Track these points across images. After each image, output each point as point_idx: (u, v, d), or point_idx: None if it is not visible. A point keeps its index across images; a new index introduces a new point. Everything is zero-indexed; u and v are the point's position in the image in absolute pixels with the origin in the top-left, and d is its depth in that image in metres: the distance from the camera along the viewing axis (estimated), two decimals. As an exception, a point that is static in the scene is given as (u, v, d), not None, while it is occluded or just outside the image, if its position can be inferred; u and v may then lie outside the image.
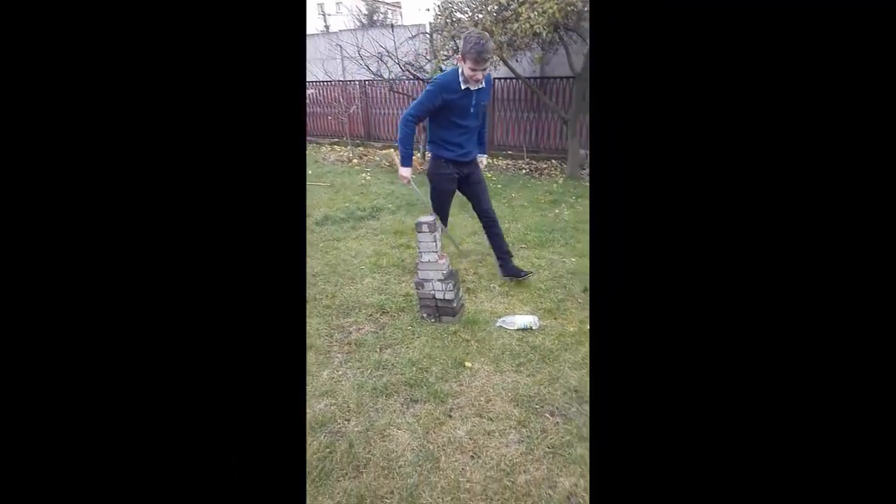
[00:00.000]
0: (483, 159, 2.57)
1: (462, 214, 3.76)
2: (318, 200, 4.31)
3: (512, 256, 2.61)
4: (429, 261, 2.04)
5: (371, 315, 2.25)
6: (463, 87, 2.15)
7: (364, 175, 5.27)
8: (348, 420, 1.58)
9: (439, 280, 2.05)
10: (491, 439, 1.48)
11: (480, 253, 2.98)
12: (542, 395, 1.67)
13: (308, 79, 7.53)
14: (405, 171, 2.27)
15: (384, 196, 4.40)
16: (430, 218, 1.99)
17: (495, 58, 5.15)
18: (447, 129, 2.26)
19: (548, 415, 1.59)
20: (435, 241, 2.00)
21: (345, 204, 4.14)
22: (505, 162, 5.87)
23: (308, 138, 7.69)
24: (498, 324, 2.10)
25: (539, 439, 1.48)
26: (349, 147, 6.72)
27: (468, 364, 1.85)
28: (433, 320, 2.15)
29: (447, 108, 2.19)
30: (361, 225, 3.62)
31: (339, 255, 3.01)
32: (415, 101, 2.22)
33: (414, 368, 1.82)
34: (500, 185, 4.67)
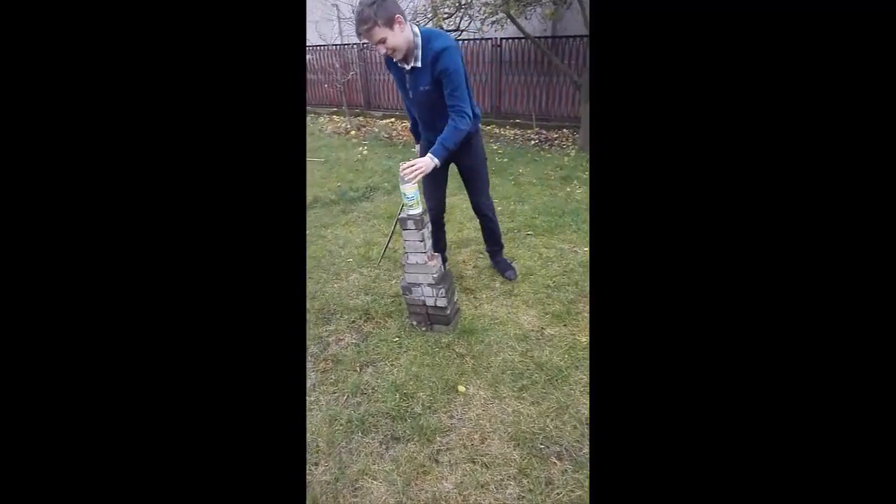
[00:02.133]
0: (427, 159, 1.69)
1: (462, 193, 3.41)
2: (310, 179, 3.98)
3: (502, 248, 2.34)
4: (416, 263, 1.73)
5: (354, 322, 1.98)
6: (397, 63, 1.71)
7: (361, 149, 4.89)
8: (316, 464, 1.33)
9: (430, 285, 1.75)
10: (485, 494, 1.22)
11: (481, 241, 2.66)
12: (547, 432, 1.40)
13: (311, 43, 7.02)
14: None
15: (380, 173, 4.05)
16: (416, 212, 1.66)
17: (500, 14, 4.63)
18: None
19: (554, 459, 1.32)
20: (423, 240, 1.69)
21: (337, 183, 3.81)
22: (512, 132, 5.42)
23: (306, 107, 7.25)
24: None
25: (543, 494, 1.21)
26: (347, 117, 6.30)
27: (461, 388, 1.58)
28: (424, 329, 1.87)
29: (399, 91, 1.88)
30: (353, 208, 3.30)
31: (326, 246, 2.71)
32: None
33: (398, 395, 1.55)
34: (506, 159, 4.27)
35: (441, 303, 1.78)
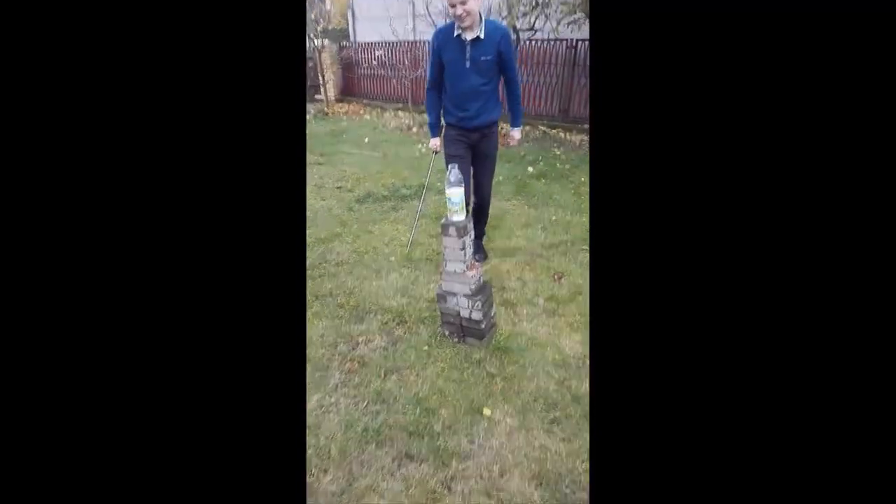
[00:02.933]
0: (516, 133, 2.30)
1: (517, 199, 3.27)
2: (366, 173, 4.02)
3: (483, 236, 2.49)
4: (455, 271, 1.64)
5: (386, 324, 1.92)
6: (455, 34, 1.93)
7: (420, 146, 4.88)
8: (325, 471, 1.28)
9: (466, 295, 1.65)
10: (496, 537, 1.11)
11: (530, 252, 2.51)
12: (575, 475, 1.25)
13: (374, 39, 7.18)
14: (433, 142, 2.30)
15: (436, 172, 3.98)
16: (459, 218, 1.57)
17: (578, 14, 4.39)
18: (447, 89, 2.10)
19: (580, 510, 1.17)
20: (464, 249, 1.59)
21: (391, 179, 3.81)
22: (579, 137, 5.15)
23: (372, 103, 7.42)
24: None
25: (562, 550, 1.07)
26: (411, 113, 6.33)
27: (487, 412, 1.47)
28: (455, 340, 1.77)
29: (446, 65, 2.02)
30: (404, 205, 3.27)
31: (371, 242, 2.70)
32: None
33: (419, 409, 1.47)
34: (567, 166, 4.05)
35: (476, 315, 1.67)
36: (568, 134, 5.30)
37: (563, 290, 2.15)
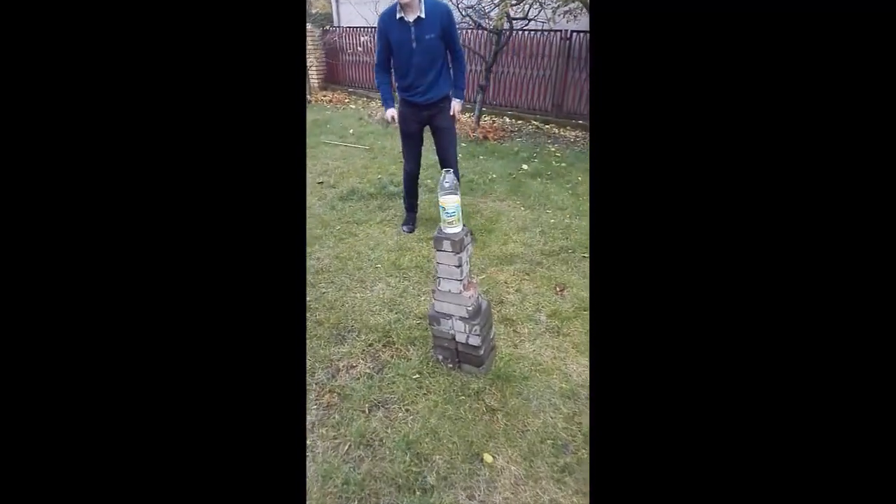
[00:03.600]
0: (456, 104, 2.37)
1: (511, 199, 3.06)
2: (351, 168, 3.76)
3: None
4: (449, 291, 1.42)
5: (371, 345, 1.70)
6: (398, 16, 2.09)
7: (408, 139, 4.62)
8: (296, 540, 1.07)
9: (462, 318, 1.44)
10: None
11: (528, 259, 2.31)
12: (595, 541, 1.06)
13: (359, 23, 6.84)
14: (389, 112, 2.35)
15: (426, 167, 3.75)
16: (455, 230, 1.35)
17: (575, 3, 4.17)
18: (396, 68, 2.24)
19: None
20: (461, 266, 1.37)
21: (378, 175, 3.56)
22: (573, 133, 4.96)
23: (357, 91, 7.10)
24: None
25: None
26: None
27: (488, 458, 1.26)
28: (450, 366, 1.57)
29: (394, 46, 2.15)
30: (391, 204, 3.03)
31: (355, 246, 2.46)
32: None
33: (409, 455, 1.26)
34: (563, 165, 3.86)
35: (474, 341, 1.46)
36: (562, 129, 5.10)
37: (567, 304, 1.96)
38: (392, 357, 1.64)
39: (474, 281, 1.47)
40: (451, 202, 1.32)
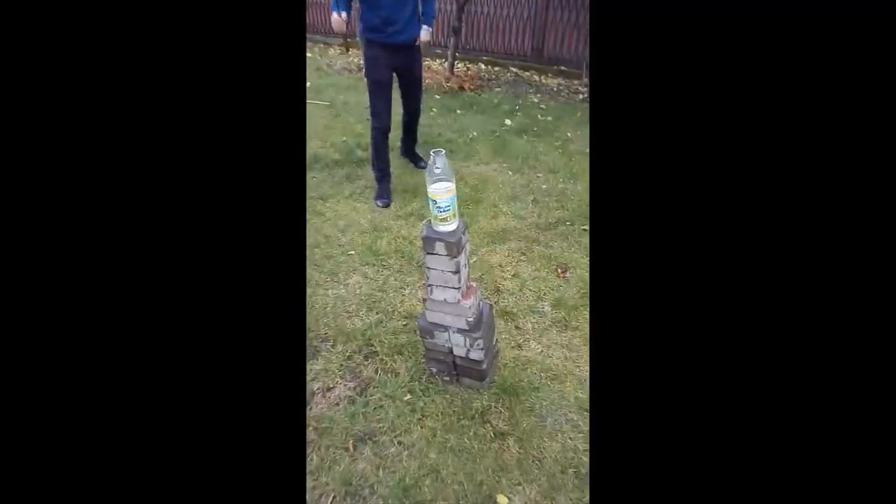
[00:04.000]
0: (425, 34, 2.16)
1: (497, 162, 2.74)
2: (311, 129, 3.29)
3: (416, 143, 2.60)
4: (444, 300, 1.15)
5: (350, 358, 1.43)
6: None
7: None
8: None
9: (461, 331, 1.18)
10: None
11: (523, 236, 2.05)
12: None
13: (310, -45, 5.96)
14: (337, 17, 1.98)
15: (396, 126, 3.36)
16: (448, 228, 1.06)
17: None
18: (373, 6, 1.95)
19: None
20: (458, 272, 1.09)
21: (343, 137, 3.14)
22: (556, 81, 4.57)
23: (314, 37, 6.33)
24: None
25: None
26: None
27: (503, 500, 1.06)
28: (446, 379, 1.33)
29: None
30: (360, 173, 2.66)
31: (322, 229, 2.12)
32: None
33: (406, 508, 1.04)
34: (550, 118, 3.52)
35: (476, 355, 1.21)
36: (543, 77, 4.69)
37: (571, 289, 1.73)
38: (377, 372, 1.38)
39: (474, 285, 1.20)
40: (442, 192, 1.01)
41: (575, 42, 4.57)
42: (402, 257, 1.91)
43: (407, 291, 1.72)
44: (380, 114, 2.18)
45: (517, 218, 2.20)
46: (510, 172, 2.67)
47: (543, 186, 2.50)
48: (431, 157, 0.99)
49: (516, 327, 1.56)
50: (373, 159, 2.32)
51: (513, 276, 1.81)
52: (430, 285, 1.14)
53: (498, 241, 2.02)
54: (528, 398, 1.29)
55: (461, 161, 2.80)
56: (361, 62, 2.28)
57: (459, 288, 1.11)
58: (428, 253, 1.08)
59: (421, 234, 1.09)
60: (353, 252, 1.95)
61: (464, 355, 1.23)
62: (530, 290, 1.72)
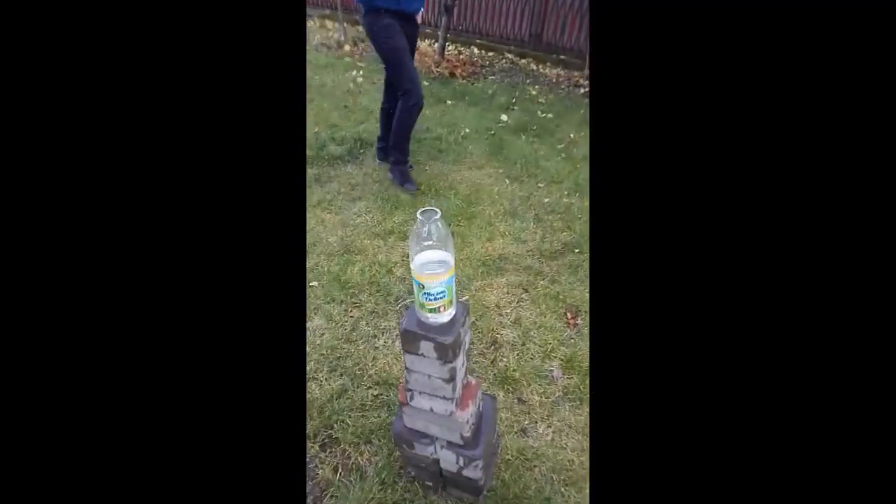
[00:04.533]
0: (418, 16, 2.06)
1: (493, 166, 2.37)
2: (278, 115, 2.85)
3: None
4: (430, 410, 0.80)
5: (307, 448, 1.08)
6: None
7: (356, 73, 3.67)
8: None
9: (453, 445, 0.84)
10: None
11: (523, 265, 1.71)
12: None
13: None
14: None
15: (377, 116, 2.94)
16: (441, 320, 0.69)
17: None
18: None
19: None
20: (453, 379, 0.73)
21: (314, 128, 2.71)
22: (556, 71, 4.19)
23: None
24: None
25: None
26: (341, 24, 4.88)
27: None
28: (429, 485, 0.99)
29: None
30: (333, 174, 2.27)
31: (280, 247, 1.73)
32: None
33: None
34: (550, 115, 3.15)
35: (472, 473, 0.87)
36: (542, 66, 4.30)
37: (584, 341, 1.40)
38: (337, 472, 1.03)
39: (473, 381, 0.85)
40: (433, 278, 0.64)
41: (577, 30, 4.18)
42: (378, 291, 1.55)
43: (381, 342, 1.37)
44: (413, 81, 1.96)
45: (517, 241, 1.85)
46: (507, 181, 2.31)
47: (546, 200, 2.15)
48: (419, 218, 0.62)
49: (519, 400, 1.23)
50: (399, 142, 2.09)
51: (513, 322, 1.47)
52: (409, 390, 0.78)
53: (494, 272, 1.68)
54: (536, 516, 0.97)
55: (451, 164, 2.43)
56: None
57: (454, 399, 0.76)
58: (407, 351, 0.72)
59: (399, 326, 0.73)
60: (315, 283, 1.57)
61: (455, 471, 0.89)
62: (535, 344, 1.39)
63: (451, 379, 0.73)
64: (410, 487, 1.00)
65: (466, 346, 0.77)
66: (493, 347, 1.38)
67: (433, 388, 0.75)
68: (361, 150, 2.52)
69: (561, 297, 1.57)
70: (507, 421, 1.16)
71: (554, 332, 1.44)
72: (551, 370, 1.32)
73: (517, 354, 1.36)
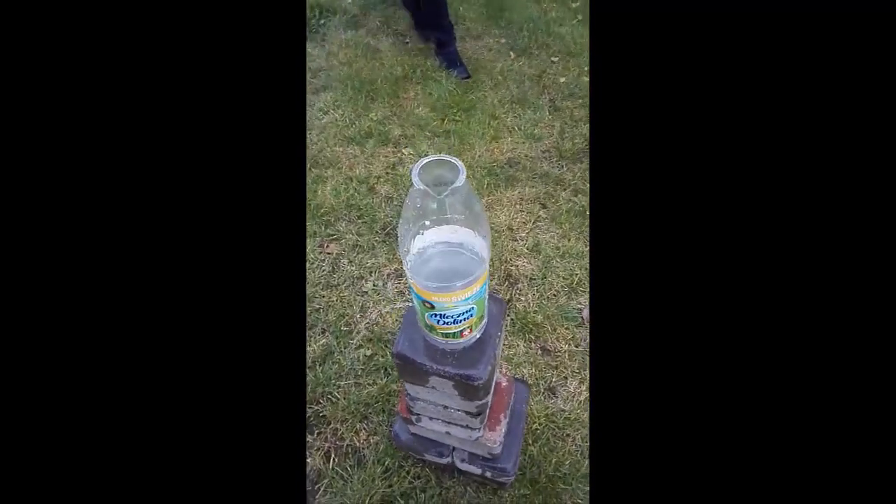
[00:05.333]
0: None
1: (493, 34, 1.86)
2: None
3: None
4: (447, 434, 0.55)
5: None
6: None
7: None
8: None
9: (476, 458, 0.62)
10: None
11: (540, 171, 1.38)
12: None
13: None
14: None
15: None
16: (466, 343, 0.40)
17: None
18: None
19: None
20: (479, 413, 0.48)
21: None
22: None
23: None
24: None
25: None
26: None
27: None
28: (443, 468, 0.82)
29: None
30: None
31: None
32: None
33: None
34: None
35: (500, 478, 0.68)
36: None
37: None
38: (330, 458, 0.85)
39: (505, 381, 0.59)
40: (450, 295, 0.33)
41: None
42: (359, 217, 1.24)
43: (369, 285, 1.10)
44: None
45: (529, 138, 1.48)
46: (512, 54, 1.82)
47: (562, 80, 1.71)
48: (416, 184, 0.29)
49: (543, 350, 1.02)
50: (436, 15, 1.67)
51: (531, 249, 1.20)
52: (415, 414, 0.53)
53: (504, 182, 1.35)
54: (573, 496, 0.81)
55: (440, 34, 1.90)
56: None
57: (479, 429, 0.51)
58: (408, 382, 0.45)
59: (392, 350, 0.44)
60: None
61: (478, 475, 0.69)
62: (558, 277, 1.14)
63: (479, 413, 0.47)
64: (421, 473, 0.83)
65: (499, 349, 0.50)
66: (507, 283, 1.12)
67: (451, 418, 0.50)
68: (322, 22, 1.95)
69: (587, 212, 1.28)
70: (530, 378, 0.96)
71: (581, 259, 1.18)
72: (580, 309, 1.09)
73: (538, 291, 1.11)
